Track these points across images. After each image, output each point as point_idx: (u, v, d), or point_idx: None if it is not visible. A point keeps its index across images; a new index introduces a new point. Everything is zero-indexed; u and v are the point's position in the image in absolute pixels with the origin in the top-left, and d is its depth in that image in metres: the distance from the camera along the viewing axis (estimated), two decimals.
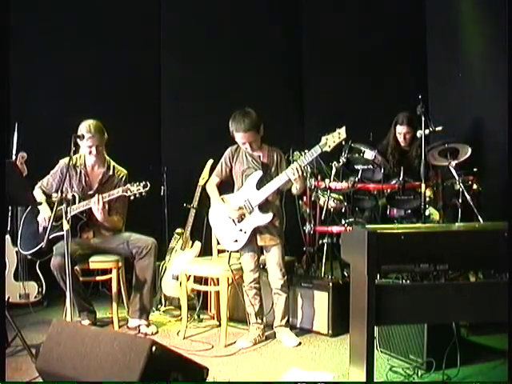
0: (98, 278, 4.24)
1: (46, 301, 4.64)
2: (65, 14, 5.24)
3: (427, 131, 4.03)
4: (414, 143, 4.68)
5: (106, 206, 3.92)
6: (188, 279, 4.01)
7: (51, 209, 3.94)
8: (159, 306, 4.54)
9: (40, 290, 4.56)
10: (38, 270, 4.51)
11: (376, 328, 3.15)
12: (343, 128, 3.53)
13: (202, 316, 4.34)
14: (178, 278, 4.25)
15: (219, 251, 4.18)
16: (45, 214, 4.02)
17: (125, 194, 3.87)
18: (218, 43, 5.62)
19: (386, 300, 2.54)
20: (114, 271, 4.04)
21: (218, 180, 3.92)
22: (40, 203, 4.02)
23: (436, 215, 4.30)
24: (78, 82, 5.23)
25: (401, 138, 4.71)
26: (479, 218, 3.90)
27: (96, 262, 4.04)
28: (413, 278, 3.55)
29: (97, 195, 3.89)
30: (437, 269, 2.54)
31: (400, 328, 3.32)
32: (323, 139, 3.56)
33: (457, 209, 4.22)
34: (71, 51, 5.23)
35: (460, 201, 4.18)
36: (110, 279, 4.08)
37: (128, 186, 3.88)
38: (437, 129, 4.09)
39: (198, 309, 4.29)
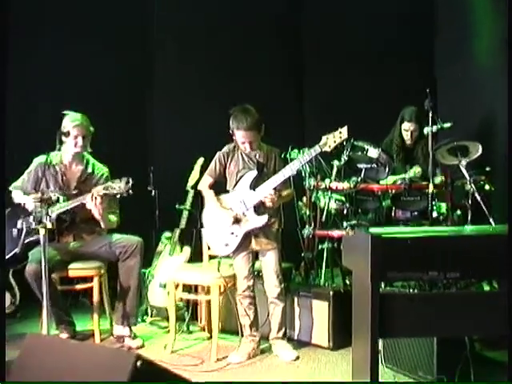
0: (78, 286, 4.11)
1: (19, 313, 4.56)
2: (64, 14, 5.26)
3: (435, 127, 3.99)
4: (419, 142, 4.64)
5: (102, 202, 3.77)
6: (176, 287, 3.93)
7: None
8: (145, 317, 4.49)
9: (13, 300, 4.50)
10: (12, 279, 4.44)
11: (381, 341, 3.19)
12: (345, 128, 3.54)
13: (191, 328, 4.29)
14: (165, 287, 4.20)
15: (210, 257, 4.14)
16: (29, 198, 3.76)
17: (105, 191, 3.69)
18: (215, 42, 5.63)
19: (391, 310, 2.51)
20: (96, 279, 3.95)
21: (212, 180, 3.87)
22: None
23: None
24: (69, 82, 5.22)
25: (407, 136, 4.66)
26: (491, 220, 3.83)
27: (76, 269, 3.93)
28: (421, 287, 3.47)
29: (93, 189, 3.74)
30: (447, 277, 2.51)
31: (407, 341, 3.24)
32: (323, 138, 3.58)
33: (467, 211, 4.14)
34: (70, 50, 5.23)
35: (470, 202, 4.08)
36: (91, 288, 3.99)
37: (109, 183, 3.72)
38: (445, 125, 4.05)
39: (187, 320, 4.21)
